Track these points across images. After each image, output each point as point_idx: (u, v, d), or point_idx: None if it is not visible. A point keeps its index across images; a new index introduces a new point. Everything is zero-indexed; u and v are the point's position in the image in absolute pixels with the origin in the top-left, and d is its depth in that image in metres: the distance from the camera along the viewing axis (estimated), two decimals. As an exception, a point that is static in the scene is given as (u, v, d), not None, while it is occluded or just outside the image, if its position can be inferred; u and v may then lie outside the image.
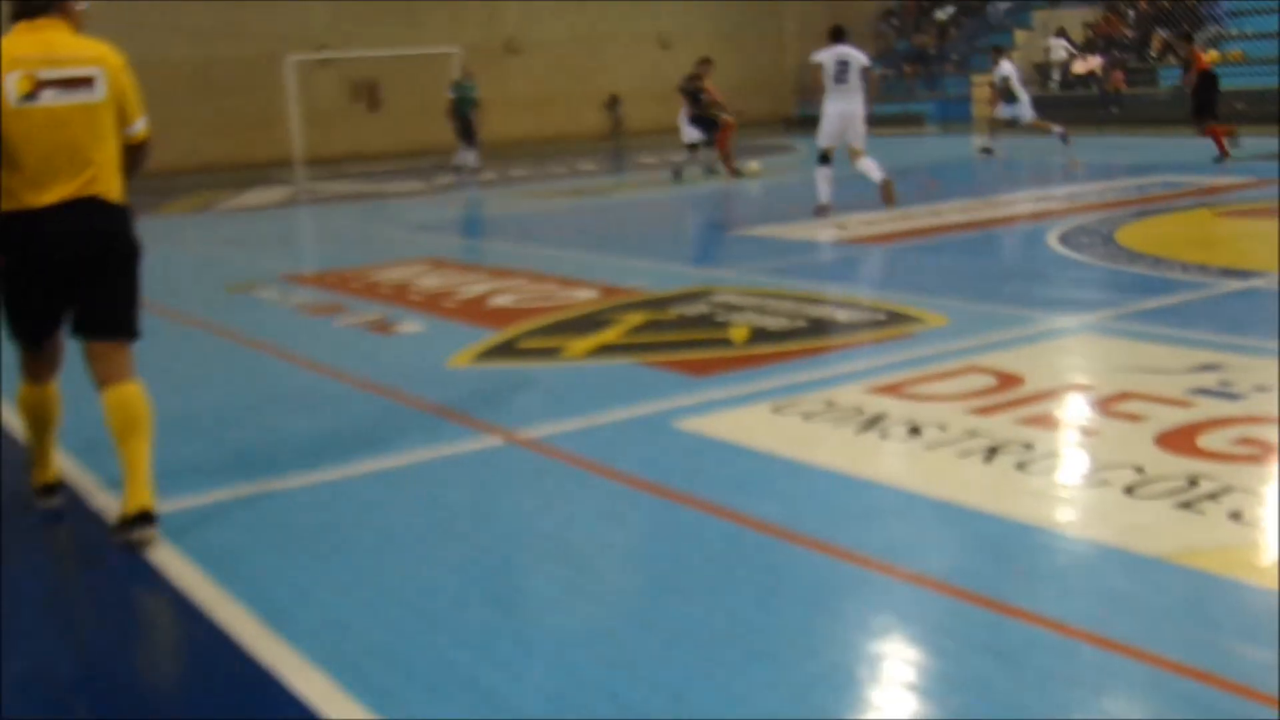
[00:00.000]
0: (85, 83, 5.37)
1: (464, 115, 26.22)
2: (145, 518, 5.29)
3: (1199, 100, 20.34)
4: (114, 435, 5.48)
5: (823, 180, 16.14)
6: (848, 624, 4.24)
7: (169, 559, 5.13)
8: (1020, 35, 34.61)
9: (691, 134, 22.26)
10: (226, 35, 34.16)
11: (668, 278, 11.36)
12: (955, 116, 33.93)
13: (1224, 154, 19.53)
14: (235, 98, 34.10)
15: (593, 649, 4.09)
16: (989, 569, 4.61)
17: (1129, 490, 5.26)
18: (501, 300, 10.74)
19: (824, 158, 16.25)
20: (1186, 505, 5.04)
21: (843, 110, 16.07)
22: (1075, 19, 33.16)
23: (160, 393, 8.08)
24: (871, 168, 16.36)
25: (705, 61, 22.78)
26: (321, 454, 6.52)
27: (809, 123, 35.50)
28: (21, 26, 5.39)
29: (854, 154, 16.43)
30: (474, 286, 11.51)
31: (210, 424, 7.34)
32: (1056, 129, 23.25)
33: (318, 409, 7.53)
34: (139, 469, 5.39)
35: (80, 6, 5.64)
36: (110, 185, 5.43)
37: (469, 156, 26.45)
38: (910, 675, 3.86)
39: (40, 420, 5.88)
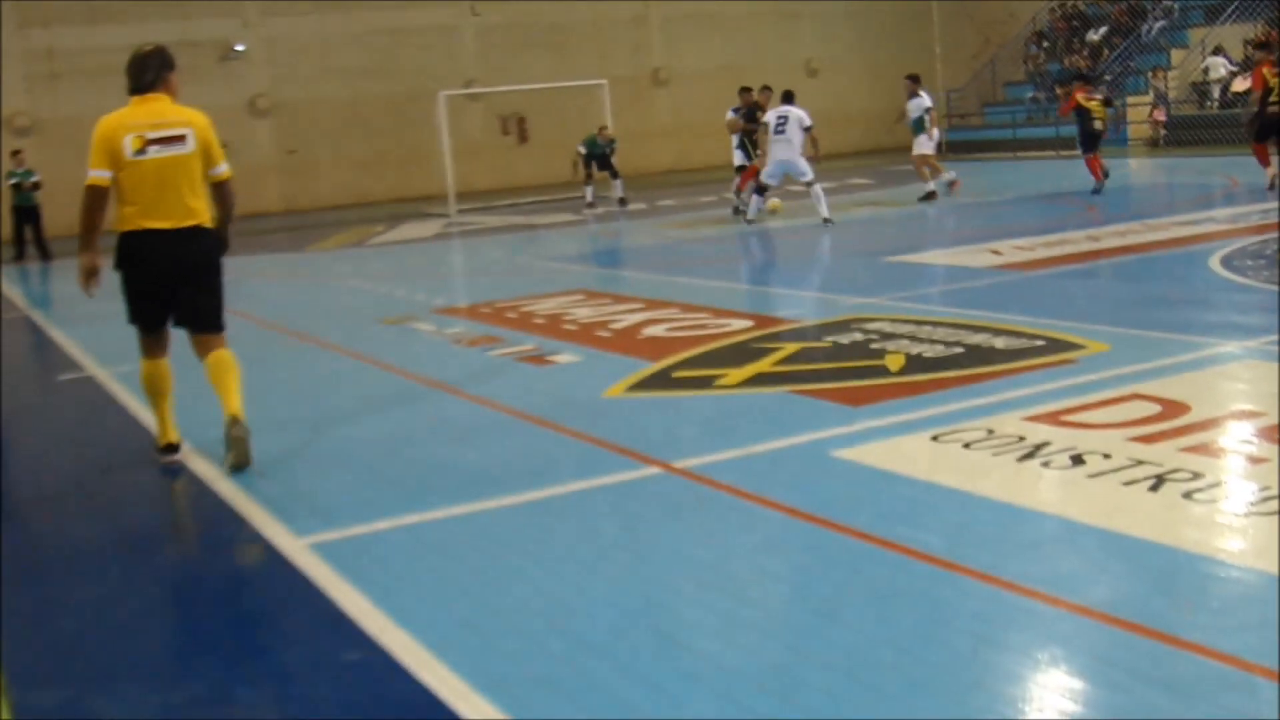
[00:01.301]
0: (180, 140, 7.19)
1: (601, 155, 26.43)
2: (237, 421, 7.13)
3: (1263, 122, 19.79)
4: (212, 381, 7.31)
5: (754, 203, 20.57)
6: (1013, 656, 4.17)
7: (336, 586, 5.22)
8: (1176, 54, 33.94)
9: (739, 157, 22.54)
10: (378, 74, 34.85)
11: (820, 306, 11.34)
12: (1110, 138, 33.25)
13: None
14: (387, 134, 34.76)
15: (755, 680, 4.08)
16: (1157, 600, 4.51)
17: (1302, 519, 5.12)
18: (655, 330, 10.78)
19: (761, 189, 20.43)
20: (1364, 535, 4.89)
21: (781, 157, 19.79)
22: (1234, 35, 32.39)
23: (321, 424, 8.35)
24: (820, 198, 19.62)
25: (765, 89, 22.70)
26: (480, 484, 6.59)
27: (961, 148, 35.30)
28: (135, 100, 7.30)
29: (808, 186, 19.83)
30: (627, 317, 11.56)
31: (371, 454, 7.46)
32: (948, 175, 23.51)
33: (475, 439, 7.62)
34: (233, 392, 7.22)
35: (176, 81, 7.47)
36: (200, 216, 7.23)
37: (616, 186, 26.72)
38: (1078, 708, 3.78)
39: (157, 390, 7.52)
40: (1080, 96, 21.60)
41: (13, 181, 24.93)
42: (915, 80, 24.21)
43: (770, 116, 20.31)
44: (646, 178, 33.70)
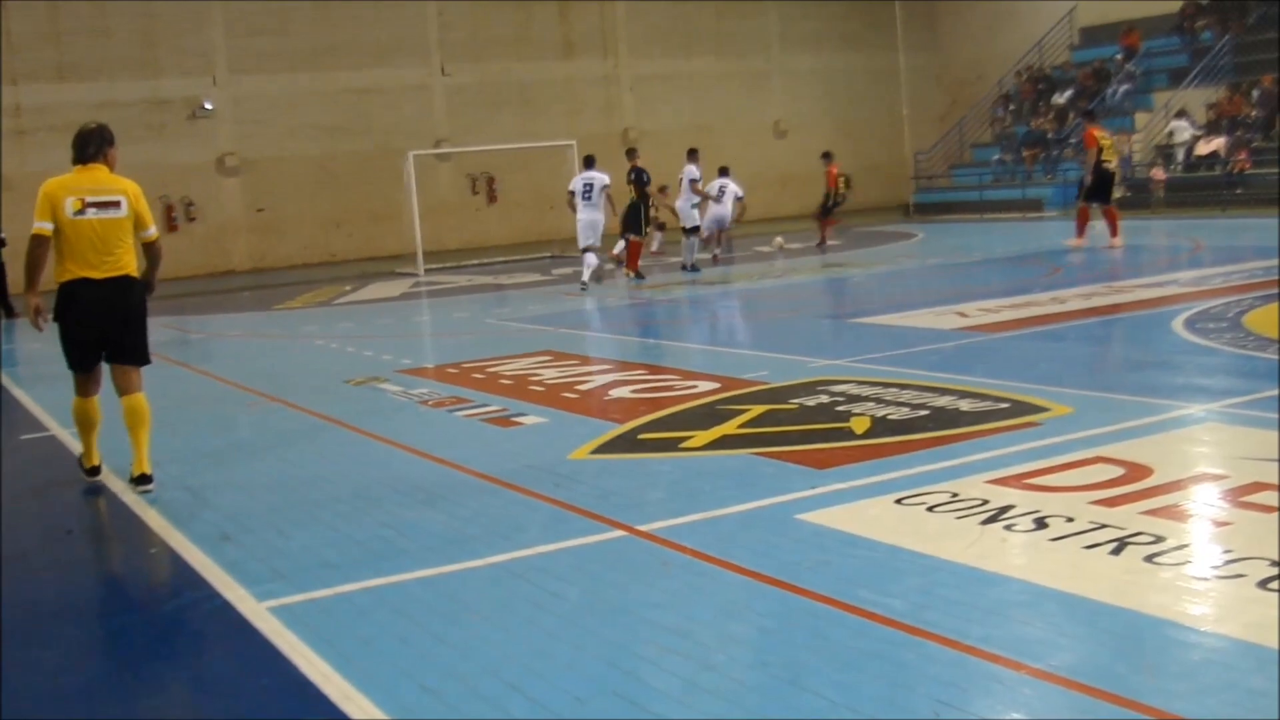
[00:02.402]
0: (115, 205, 8.41)
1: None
2: (145, 479, 8.37)
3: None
4: (127, 426, 8.52)
5: (586, 266, 21.67)
6: (977, 722, 4.17)
7: (297, 650, 5.19)
8: (1141, 117, 34.29)
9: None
10: (347, 132, 34.89)
11: (786, 368, 11.34)
12: (1075, 201, 33.53)
13: None
14: (356, 192, 34.75)
15: (718, 747, 4.06)
16: (1119, 665, 4.52)
17: (1263, 584, 5.15)
18: (622, 392, 10.80)
19: (587, 250, 21.67)
20: (1325, 600, 4.91)
21: (589, 219, 21.56)
22: (1198, 99, 32.74)
23: (285, 485, 8.33)
24: (589, 265, 21.68)
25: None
26: (444, 547, 6.58)
27: (929, 209, 35.52)
28: (79, 169, 8.49)
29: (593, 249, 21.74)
30: (594, 378, 11.58)
31: (334, 516, 7.43)
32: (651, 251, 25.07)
33: (440, 501, 7.59)
34: (142, 447, 8.47)
35: (114, 154, 8.61)
36: (129, 268, 8.47)
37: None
38: (1042, 776, 3.78)
39: (88, 422, 8.77)
40: (1098, 133, 21.76)
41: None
42: (692, 152, 25.00)
43: (576, 183, 22.17)
44: (614, 237, 33.79)
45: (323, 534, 7.06)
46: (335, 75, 34.88)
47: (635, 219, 22.30)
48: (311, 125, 34.68)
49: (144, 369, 8.70)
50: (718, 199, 24.56)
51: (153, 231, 8.71)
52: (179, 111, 33.34)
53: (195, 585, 6.29)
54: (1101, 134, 21.74)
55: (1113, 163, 21.50)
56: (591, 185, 21.67)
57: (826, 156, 28.72)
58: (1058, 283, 17.30)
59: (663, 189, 25.52)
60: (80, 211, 8.28)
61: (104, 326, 8.44)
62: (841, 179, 29.30)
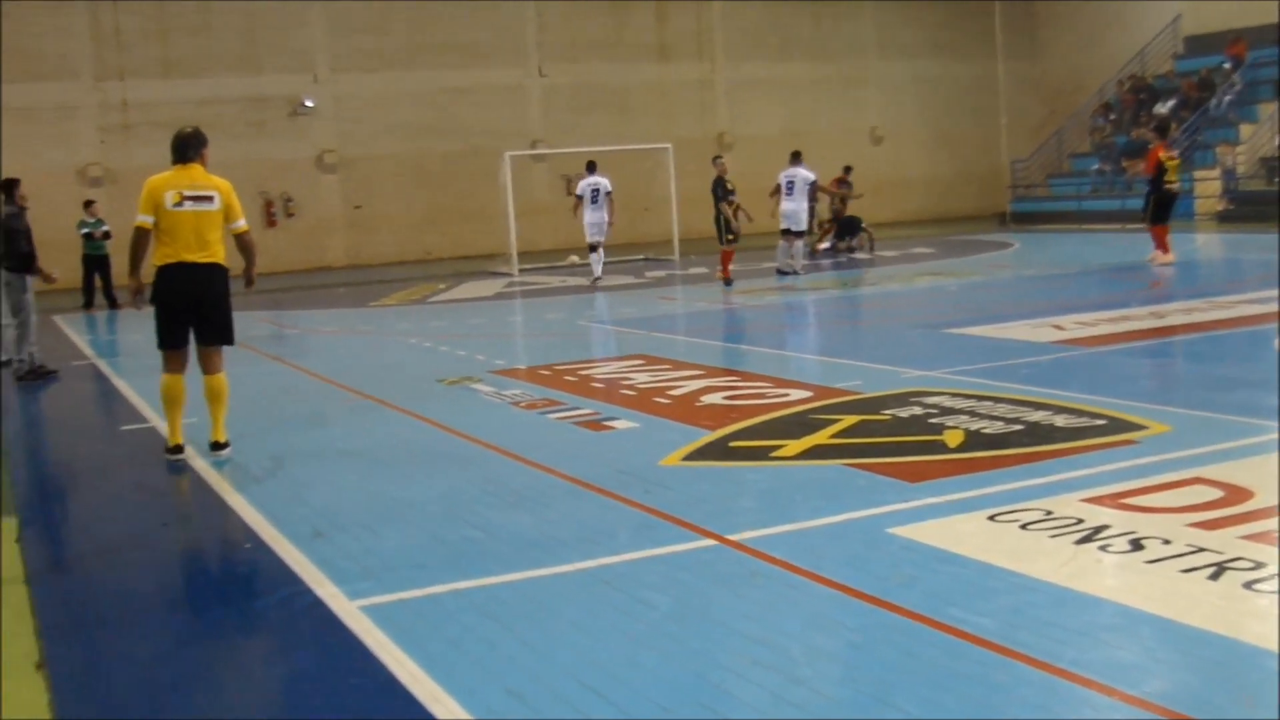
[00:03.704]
0: (209, 199, 9.39)
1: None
2: (220, 445, 9.54)
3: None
4: (207, 400, 9.55)
5: (595, 262, 24.39)
6: (1068, 747, 4.12)
7: (386, 649, 5.24)
8: (1246, 129, 33.74)
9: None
10: (443, 132, 35.17)
11: (880, 378, 11.27)
12: (1176, 213, 33.04)
13: None
14: (451, 191, 35.03)
15: (804, 763, 4.04)
16: (1216, 694, 4.44)
17: (1366, 614, 5.03)
18: (713, 398, 10.78)
19: (593, 248, 24.32)
20: None
21: (595, 220, 24.28)
22: (1304, 112, 32.27)
23: (377, 484, 8.40)
24: (599, 261, 24.43)
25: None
26: (534, 551, 6.60)
27: (1025, 219, 35.17)
28: (178, 168, 9.47)
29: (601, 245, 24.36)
30: (685, 384, 11.57)
31: (426, 517, 7.49)
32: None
33: (530, 505, 7.63)
34: (219, 419, 9.60)
35: (207, 154, 9.64)
36: (219, 256, 9.40)
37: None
38: (1135, 805, 3.73)
39: (174, 399, 9.53)
40: (1162, 154, 21.51)
41: (84, 231, 25.28)
42: (591, 165, 25.57)
43: (584, 188, 24.46)
44: (709, 241, 33.77)
45: (413, 534, 7.12)
46: (433, 74, 35.20)
47: (718, 229, 22.29)
48: (408, 124, 35.01)
49: (244, 364, 9.65)
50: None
51: (243, 224, 9.60)
52: (280, 109, 33.81)
53: (289, 581, 6.36)
54: (1167, 154, 21.58)
55: (1176, 184, 21.31)
56: (598, 190, 24.34)
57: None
58: (1156, 297, 17.07)
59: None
60: (179, 204, 9.27)
61: (194, 306, 9.37)
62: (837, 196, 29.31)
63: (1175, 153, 21.40)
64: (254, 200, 32.70)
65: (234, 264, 9.52)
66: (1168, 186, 21.14)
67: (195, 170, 9.48)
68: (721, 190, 22.10)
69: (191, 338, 9.57)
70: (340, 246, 34.71)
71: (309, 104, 33.94)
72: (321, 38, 34.27)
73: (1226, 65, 36.25)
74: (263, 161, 33.03)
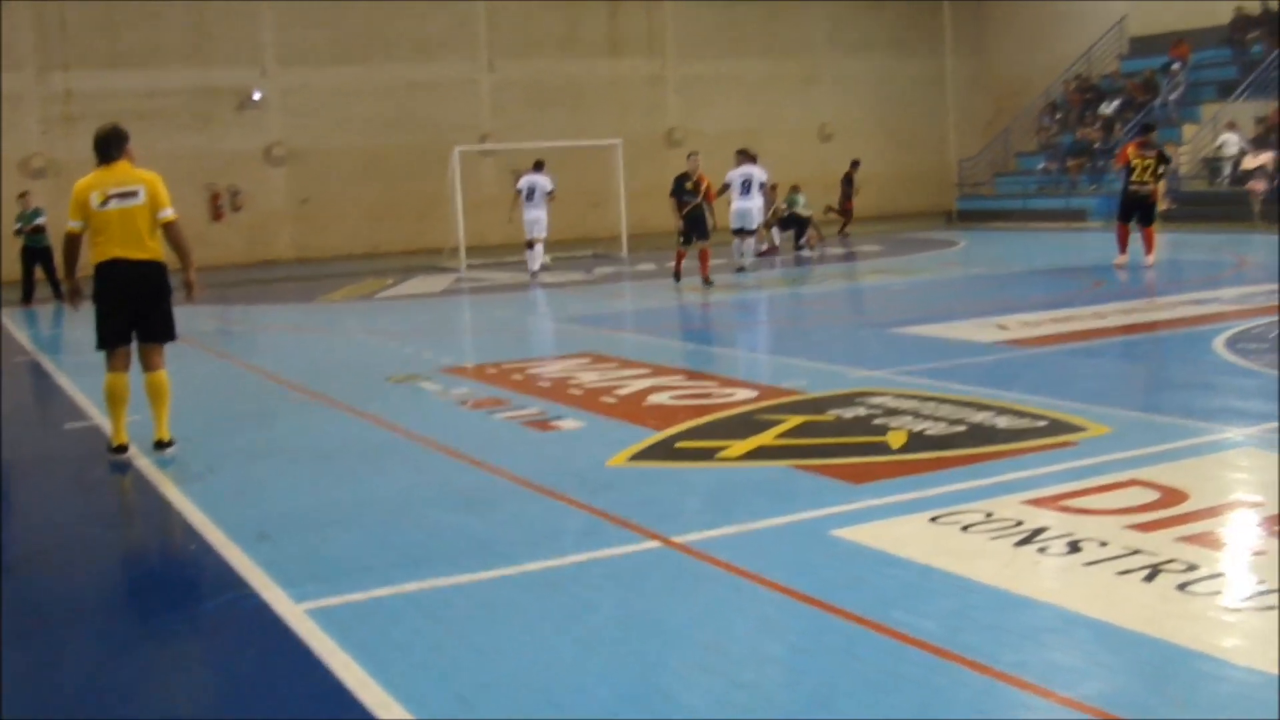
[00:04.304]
0: (133, 194, 9.33)
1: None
2: (164, 444, 9.54)
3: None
4: (149, 398, 9.54)
5: (531, 257, 25.05)
6: (1005, 750, 4.19)
7: (333, 654, 5.26)
8: (1189, 129, 34.09)
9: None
10: (393, 125, 35.05)
11: (826, 378, 11.36)
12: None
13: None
14: (401, 185, 34.92)
15: (746, 767, 4.10)
16: (1150, 697, 4.54)
17: (1298, 616, 5.14)
18: (659, 398, 10.83)
19: (530, 244, 24.97)
20: (1358, 635, 4.91)
21: (533, 217, 24.75)
22: (1247, 113, 32.57)
23: (324, 484, 8.41)
24: (536, 257, 25.02)
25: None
26: (481, 553, 6.63)
27: (972, 217, 35.42)
28: (103, 168, 9.43)
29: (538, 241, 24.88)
30: (633, 383, 11.61)
31: (372, 517, 7.51)
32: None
33: (478, 506, 7.66)
34: (162, 418, 9.59)
35: (132, 149, 9.57)
36: (153, 252, 9.38)
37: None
38: (1069, 808, 3.80)
39: (117, 398, 9.48)
40: (1131, 150, 21.13)
41: (17, 226, 24.90)
42: (539, 164, 25.88)
43: (523, 184, 25.16)
44: (658, 237, 33.81)
45: (359, 535, 7.13)
46: (383, 69, 35.08)
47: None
48: (358, 118, 34.88)
49: (189, 361, 9.63)
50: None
51: (169, 213, 9.46)
52: (228, 101, 33.60)
53: (233, 584, 6.36)
54: (1136, 153, 20.91)
55: (1141, 185, 20.53)
56: (535, 188, 24.83)
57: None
58: (1099, 297, 17.25)
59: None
60: (104, 204, 9.29)
61: (132, 303, 9.37)
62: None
63: (1150, 153, 20.75)
64: (200, 193, 32.50)
65: (175, 261, 9.54)
66: (1132, 186, 20.91)
67: (120, 168, 9.44)
68: (678, 188, 21.49)
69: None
70: (287, 240, 34.56)
71: (257, 97, 33.75)
72: (271, 30, 34.08)
73: (1172, 66, 36.61)
74: (210, 154, 32.83)
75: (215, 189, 33.23)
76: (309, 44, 34.32)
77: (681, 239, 21.40)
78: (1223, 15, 36.07)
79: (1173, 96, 35.79)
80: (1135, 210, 20.75)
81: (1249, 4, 35.81)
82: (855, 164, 34.05)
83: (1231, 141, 31.96)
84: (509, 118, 36.49)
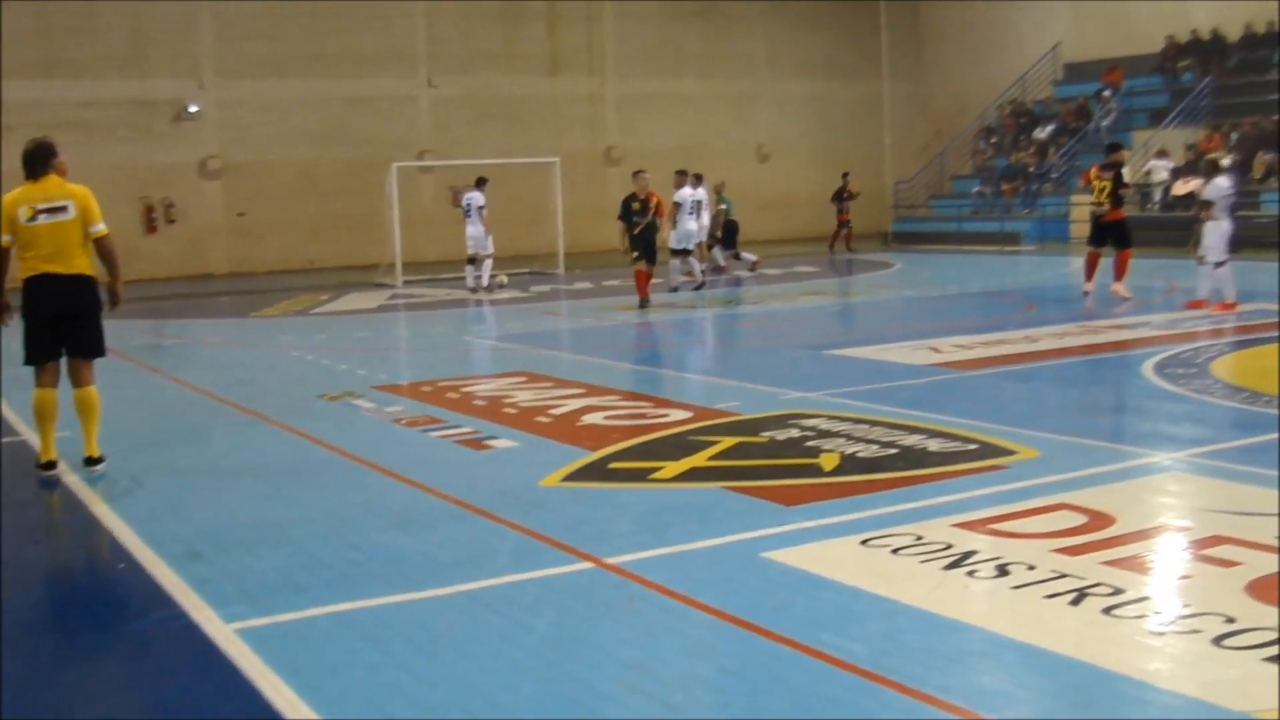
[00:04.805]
0: (62, 209, 9.26)
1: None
2: (94, 460, 9.44)
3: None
4: (79, 414, 9.42)
5: (468, 273, 25.34)
6: (930, 773, 4.24)
7: (263, 676, 5.24)
8: (1121, 155, 34.51)
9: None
10: (332, 140, 34.90)
11: (759, 399, 11.42)
12: (1053, 236, 33.80)
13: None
14: (338, 201, 34.75)
15: (675, 790, 4.12)
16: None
17: (1218, 641, 5.23)
18: (594, 418, 10.85)
19: (472, 260, 25.25)
20: (1275, 659, 4.99)
21: (470, 233, 25.22)
22: (1178, 139, 33.04)
23: (257, 502, 8.39)
24: (486, 270, 25.17)
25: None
26: (414, 573, 6.63)
27: (907, 239, 35.69)
28: (31, 184, 9.35)
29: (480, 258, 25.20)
30: (568, 402, 11.63)
31: (305, 536, 7.48)
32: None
33: (411, 525, 7.65)
34: (92, 434, 9.48)
35: (62, 164, 9.53)
36: (82, 267, 9.33)
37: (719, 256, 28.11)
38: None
39: (45, 414, 9.36)
40: (1093, 172, 20.67)
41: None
42: (481, 180, 25.68)
43: (464, 200, 25.80)
44: (595, 256, 33.85)
45: (292, 555, 7.10)
46: (322, 83, 34.94)
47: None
48: (296, 132, 34.71)
49: (120, 376, 9.49)
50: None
51: (101, 228, 9.41)
52: (164, 113, 33.34)
53: (163, 604, 6.32)
54: (1095, 174, 20.46)
55: (1103, 206, 19.76)
56: (471, 204, 25.36)
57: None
58: (1031, 320, 17.44)
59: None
60: (32, 219, 9.22)
61: (61, 318, 9.30)
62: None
63: (1109, 174, 19.80)
64: (134, 205, 32.24)
65: (104, 275, 9.51)
66: (1090, 207, 20.46)
67: (49, 182, 9.37)
68: (626, 210, 21.15)
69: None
70: (222, 254, 34.30)
71: (193, 109, 33.52)
72: (209, 42, 33.86)
73: (1104, 93, 37.10)
74: (144, 166, 32.56)
75: (149, 201, 32.96)
76: (247, 57, 34.12)
77: (635, 258, 20.94)
78: (1155, 43, 36.63)
79: (1105, 122, 36.29)
80: (1105, 234, 19.94)
81: (1180, 32, 36.35)
82: (845, 176, 34.89)
83: (1160, 168, 32.39)
84: (448, 134, 36.45)
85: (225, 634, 5.78)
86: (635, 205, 20.96)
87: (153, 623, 6.14)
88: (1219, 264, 17.29)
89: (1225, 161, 20.81)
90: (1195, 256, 17.87)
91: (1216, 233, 17.47)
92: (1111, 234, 19.87)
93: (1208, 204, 17.61)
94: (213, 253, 34.17)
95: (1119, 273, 19.64)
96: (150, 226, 32.98)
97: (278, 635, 5.76)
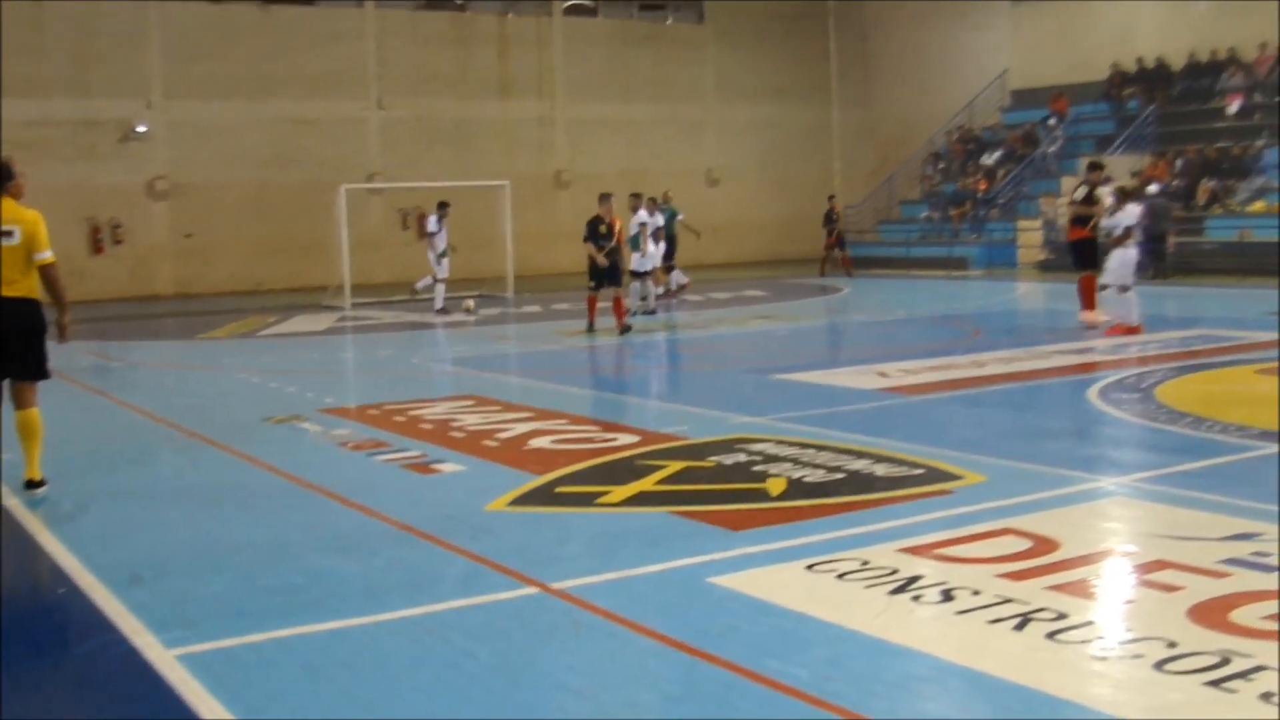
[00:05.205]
0: (8, 234, 9.17)
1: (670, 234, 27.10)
2: (35, 484, 9.38)
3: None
4: (20, 437, 9.40)
5: (439, 295, 25.59)
6: (874, 800, 4.24)
7: (204, 702, 5.19)
8: (1067, 181, 34.81)
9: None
10: (281, 162, 34.81)
11: (707, 424, 11.42)
12: (1000, 261, 34.07)
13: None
14: (287, 222, 34.61)
15: (618, 818, 4.10)
16: (1017, 746, 4.61)
17: (1160, 665, 5.25)
18: (541, 442, 10.82)
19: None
20: (1216, 684, 5.02)
21: (430, 256, 25.70)
22: (1123, 166, 33.35)
23: (201, 526, 8.32)
24: (439, 292, 25.62)
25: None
26: (358, 598, 6.59)
27: (856, 263, 35.83)
28: None
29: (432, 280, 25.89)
30: (515, 426, 11.60)
31: (248, 561, 7.42)
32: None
33: (355, 550, 7.59)
34: (34, 457, 9.44)
35: (19, 186, 9.43)
36: (27, 290, 9.26)
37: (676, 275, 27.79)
38: None
39: None
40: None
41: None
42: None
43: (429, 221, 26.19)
44: (546, 279, 33.85)
45: (235, 580, 7.04)
46: (271, 104, 34.85)
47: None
48: (246, 153, 34.59)
49: (64, 398, 9.60)
50: (651, 237, 23.98)
51: (47, 255, 9.34)
52: (111, 133, 33.15)
53: (103, 629, 6.25)
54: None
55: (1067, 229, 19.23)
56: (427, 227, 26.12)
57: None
58: (978, 345, 17.54)
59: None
60: None
61: (4, 342, 9.17)
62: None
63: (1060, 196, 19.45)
64: (80, 226, 32.04)
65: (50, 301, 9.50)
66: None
67: (3, 205, 9.29)
68: (593, 233, 20.57)
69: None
70: (170, 275, 34.09)
71: (141, 129, 33.33)
72: (157, 62, 33.71)
73: (1050, 120, 37.44)
74: (91, 186, 32.36)
75: (96, 222, 32.74)
76: (196, 77, 33.99)
77: (593, 285, 20.54)
78: (1100, 70, 37.03)
79: (1052, 149, 36.62)
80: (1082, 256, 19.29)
81: (1125, 60, 36.75)
82: (831, 199, 35.19)
83: (1105, 194, 32.66)
84: (397, 156, 36.39)
85: (166, 660, 5.72)
86: (602, 229, 20.56)
87: (93, 648, 6.07)
88: (1124, 289, 17.56)
89: (1148, 188, 20.79)
90: (1100, 284, 18.09)
91: (1122, 259, 17.74)
92: (1072, 254, 19.65)
93: (1128, 230, 17.81)
94: (160, 274, 33.97)
95: (1086, 300, 19.14)
96: (97, 247, 32.77)
97: (219, 661, 5.70)
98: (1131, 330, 17.33)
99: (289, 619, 6.25)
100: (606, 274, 20.47)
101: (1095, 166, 20.59)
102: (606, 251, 20.39)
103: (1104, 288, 18.01)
